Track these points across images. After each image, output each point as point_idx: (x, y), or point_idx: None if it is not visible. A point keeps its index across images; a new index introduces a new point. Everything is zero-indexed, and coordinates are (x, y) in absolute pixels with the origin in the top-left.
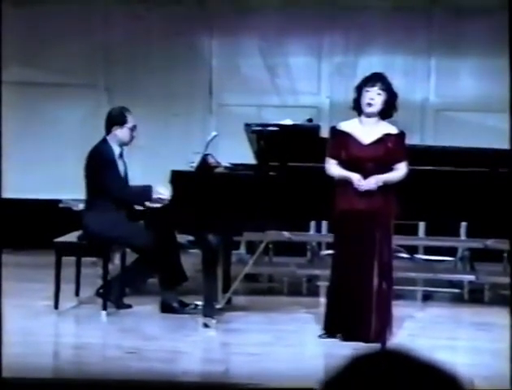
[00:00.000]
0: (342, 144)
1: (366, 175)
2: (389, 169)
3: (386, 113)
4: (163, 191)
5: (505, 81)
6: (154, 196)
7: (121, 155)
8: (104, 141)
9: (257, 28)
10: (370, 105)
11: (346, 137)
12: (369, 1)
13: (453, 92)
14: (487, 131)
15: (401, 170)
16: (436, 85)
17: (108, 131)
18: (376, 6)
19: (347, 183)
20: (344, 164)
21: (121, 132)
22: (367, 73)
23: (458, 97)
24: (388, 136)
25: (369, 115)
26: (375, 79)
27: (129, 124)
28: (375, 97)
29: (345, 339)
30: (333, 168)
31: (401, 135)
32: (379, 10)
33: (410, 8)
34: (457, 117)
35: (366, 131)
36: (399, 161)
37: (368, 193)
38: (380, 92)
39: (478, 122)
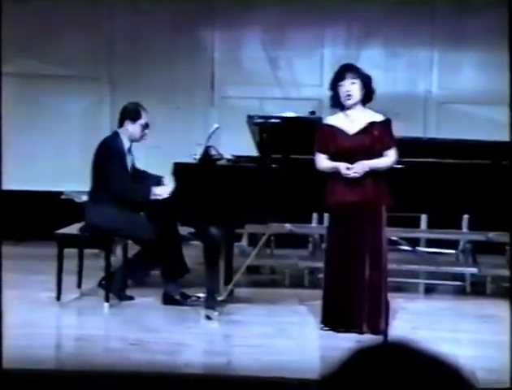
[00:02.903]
0: (329, 137)
1: None
2: (379, 157)
3: (366, 98)
4: (161, 191)
5: (507, 74)
6: (152, 197)
7: (129, 150)
8: (115, 134)
9: (259, 20)
10: (348, 96)
11: (332, 130)
12: None
13: (455, 84)
14: (489, 123)
15: (389, 156)
16: (439, 78)
17: (120, 124)
18: None
19: (337, 175)
20: (333, 157)
21: (132, 128)
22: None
23: (461, 90)
24: (373, 124)
25: (350, 107)
26: (345, 70)
27: (142, 121)
28: (350, 89)
29: (338, 330)
30: (322, 162)
31: (387, 122)
32: (382, 2)
33: (412, 0)
34: (460, 109)
35: (351, 121)
36: (387, 148)
37: (358, 184)
38: (353, 81)
39: (480, 114)
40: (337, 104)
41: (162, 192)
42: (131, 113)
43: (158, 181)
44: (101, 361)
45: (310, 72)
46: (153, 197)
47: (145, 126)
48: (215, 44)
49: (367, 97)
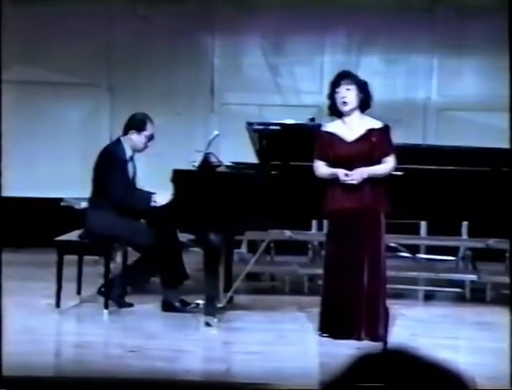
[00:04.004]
0: (328, 144)
1: None
2: (377, 164)
3: (363, 104)
4: (160, 199)
5: (507, 81)
6: (152, 204)
7: (132, 158)
8: (118, 142)
9: (259, 27)
10: (344, 103)
11: (331, 137)
12: (372, 0)
13: (455, 91)
14: (489, 130)
15: (388, 163)
16: (439, 84)
17: (125, 132)
18: (379, 5)
19: (336, 182)
20: (332, 164)
21: (137, 138)
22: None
23: (460, 97)
24: (371, 131)
25: (348, 113)
26: (340, 78)
27: (147, 132)
28: (346, 95)
29: (337, 337)
30: (321, 168)
31: (385, 128)
32: (382, 9)
33: (412, 7)
34: (460, 116)
35: (350, 128)
36: (386, 155)
37: (357, 191)
38: (349, 87)
39: (480, 121)
40: (335, 112)
41: (162, 199)
42: (137, 123)
43: (147, 200)
44: (100, 367)
45: (310, 79)
46: (153, 204)
47: (150, 137)
48: (215, 50)
49: (365, 103)
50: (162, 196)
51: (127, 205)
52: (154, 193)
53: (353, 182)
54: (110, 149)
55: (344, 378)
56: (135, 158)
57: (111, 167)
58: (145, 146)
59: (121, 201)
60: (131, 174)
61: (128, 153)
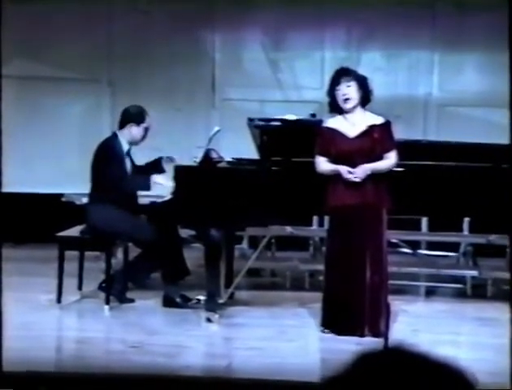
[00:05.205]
0: (330, 140)
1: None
2: (379, 160)
3: (364, 100)
4: (162, 180)
5: (507, 76)
6: (153, 185)
7: (128, 152)
8: (114, 136)
9: (259, 22)
10: (346, 100)
11: (333, 133)
12: None
13: (456, 87)
14: (490, 126)
15: (390, 159)
16: (439, 80)
17: (122, 126)
18: (379, 0)
19: (337, 178)
20: (334, 160)
21: (136, 130)
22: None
23: (461, 93)
24: (373, 127)
25: (350, 110)
26: (339, 75)
27: (145, 124)
28: (347, 92)
29: (340, 333)
30: (323, 164)
31: (387, 124)
32: (382, 4)
33: (413, 3)
34: (461, 112)
35: (352, 124)
36: (388, 150)
37: (359, 187)
38: (349, 84)
39: (481, 117)
40: (335, 109)
41: (163, 181)
42: (136, 116)
43: (158, 164)
44: (101, 363)
45: (311, 75)
46: (153, 185)
47: (147, 129)
48: (216, 45)
49: (365, 98)
50: (163, 177)
51: (129, 193)
52: (161, 158)
53: (357, 180)
54: (108, 143)
55: (347, 375)
56: (133, 153)
57: (108, 161)
58: (143, 138)
59: (122, 191)
60: (128, 169)
61: (125, 147)
